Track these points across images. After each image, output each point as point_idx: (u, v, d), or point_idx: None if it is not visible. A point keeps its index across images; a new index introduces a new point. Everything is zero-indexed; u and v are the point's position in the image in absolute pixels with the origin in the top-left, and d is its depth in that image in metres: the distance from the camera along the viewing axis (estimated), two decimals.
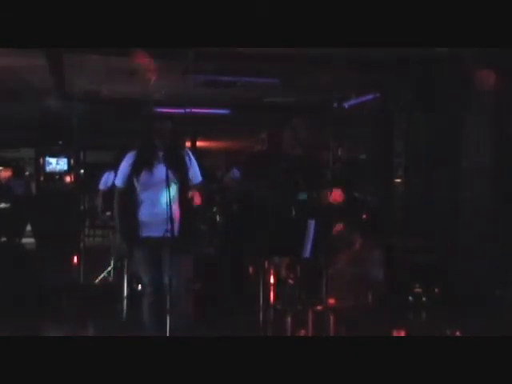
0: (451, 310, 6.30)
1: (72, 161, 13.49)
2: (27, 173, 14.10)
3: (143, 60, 6.54)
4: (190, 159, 4.38)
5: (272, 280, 4.85)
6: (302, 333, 4.81)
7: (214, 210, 7.99)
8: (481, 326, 5.45)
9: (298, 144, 4.89)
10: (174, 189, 4.20)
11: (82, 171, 13.48)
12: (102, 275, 7.55)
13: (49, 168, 13.56)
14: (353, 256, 6.75)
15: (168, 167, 4.14)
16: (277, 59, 6.67)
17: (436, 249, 7.09)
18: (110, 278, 7.44)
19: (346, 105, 9.26)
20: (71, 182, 13.43)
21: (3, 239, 10.17)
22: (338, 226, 6.20)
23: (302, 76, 7.90)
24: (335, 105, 9.31)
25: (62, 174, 13.56)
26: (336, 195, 5.39)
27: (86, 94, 9.18)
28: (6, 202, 11.29)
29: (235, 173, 5.10)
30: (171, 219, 3.99)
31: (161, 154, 4.27)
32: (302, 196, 4.80)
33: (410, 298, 6.73)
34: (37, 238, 11.78)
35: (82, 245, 8.35)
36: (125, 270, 6.57)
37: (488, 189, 6.88)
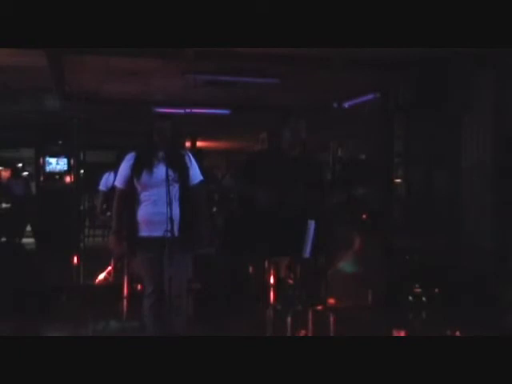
0: (451, 310, 6.30)
1: (72, 161, 13.47)
2: (26, 173, 14.12)
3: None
4: (189, 159, 4.40)
5: (272, 280, 4.85)
6: (302, 333, 4.80)
7: (214, 209, 8.00)
8: (481, 326, 5.45)
9: (298, 144, 4.89)
10: (174, 188, 4.20)
11: (82, 171, 13.47)
12: (101, 275, 7.56)
13: (49, 168, 13.55)
14: (353, 256, 6.76)
15: (168, 167, 4.15)
16: (277, 59, 6.67)
17: (436, 249, 7.09)
18: (110, 278, 7.45)
19: (346, 105, 9.26)
20: (71, 182, 13.42)
21: (3, 239, 10.19)
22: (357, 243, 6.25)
23: (302, 76, 7.90)
24: (335, 105, 9.31)
25: (62, 173, 13.55)
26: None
27: (86, 94, 9.18)
28: (5, 202, 11.31)
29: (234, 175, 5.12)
30: (171, 219, 4.00)
31: (161, 153, 4.28)
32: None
33: (410, 297, 6.73)
34: (37, 238, 11.79)
35: (82, 245, 8.36)
36: (125, 270, 6.58)
37: (488, 188, 6.88)
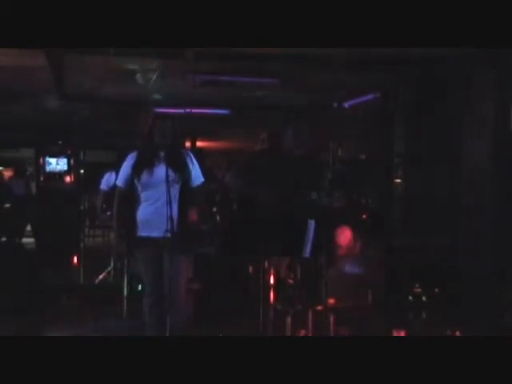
0: (451, 310, 6.30)
1: (72, 161, 13.50)
2: (27, 173, 14.11)
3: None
4: (191, 160, 4.39)
5: (272, 280, 4.85)
6: (302, 333, 4.81)
7: (214, 209, 8.00)
8: (481, 326, 5.45)
9: (300, 144, 4.88)
10: (174, 188, 4.20)
11: (82, 171, 13.49)
12: (101, 275, 7.56)
13: (49, 168, 13.56)
14: (353, 256, 6.76)
15: (168, 167, 4.15)
16: (277, 59, 6.67)
17: (436, 249, 7.09)
18: (110, 278, 7.46)
19: (346, 105, 9.26)
20: (71, 182, 13.44)
21: (3, 239, 10.19)
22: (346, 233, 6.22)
23: (302, 76, 7.89)
24: (335, 105, 9.30)
25: (62, 173, 13.56)
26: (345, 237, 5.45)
27: (85, 94, 9.18)
28: (6, 202, 11.32)
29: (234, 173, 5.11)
30: (171, 219, 4.00)
31: (161, 153, 4.28)
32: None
33: (410, 297, 6.73)
34: (37, 238, 11.79)
35: (82, 245, 8.37)
36: (125, 270, 6.58)
37: (488, 189, 6.87)
